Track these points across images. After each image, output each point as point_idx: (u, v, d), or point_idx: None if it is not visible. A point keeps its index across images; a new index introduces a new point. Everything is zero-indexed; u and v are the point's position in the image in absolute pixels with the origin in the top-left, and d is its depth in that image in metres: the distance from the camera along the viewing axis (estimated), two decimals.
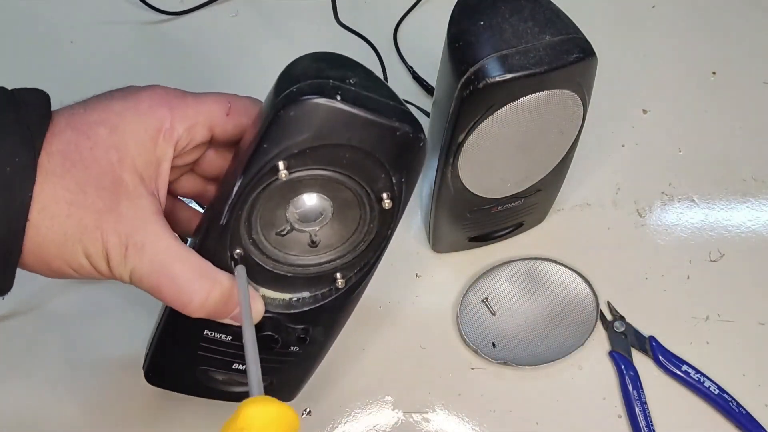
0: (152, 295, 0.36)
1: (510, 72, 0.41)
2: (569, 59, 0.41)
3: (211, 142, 0.40)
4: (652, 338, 0.53)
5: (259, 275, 0.40)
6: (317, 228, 0.39)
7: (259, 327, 0.40)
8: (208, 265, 0.37)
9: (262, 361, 0.44)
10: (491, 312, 0.55)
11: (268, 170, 0.35)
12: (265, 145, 0.35)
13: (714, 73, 0.66)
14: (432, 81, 0.63)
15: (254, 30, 0.69)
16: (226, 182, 0.38)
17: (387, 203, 0.38)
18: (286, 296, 0.41)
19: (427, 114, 0.61)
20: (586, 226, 0.59)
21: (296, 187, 0.37)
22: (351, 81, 0.35)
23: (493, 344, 0.53)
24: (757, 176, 0.61)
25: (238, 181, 0.36)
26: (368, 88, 0.36)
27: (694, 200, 0.60)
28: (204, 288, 0.36)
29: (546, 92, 0.43)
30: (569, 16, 0.43)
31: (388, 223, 0.39)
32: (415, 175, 0.38)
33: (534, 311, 0.55)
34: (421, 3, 0.70)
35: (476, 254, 0.57)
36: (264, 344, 0.41)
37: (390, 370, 0.53)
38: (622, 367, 0.52)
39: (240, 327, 0.40)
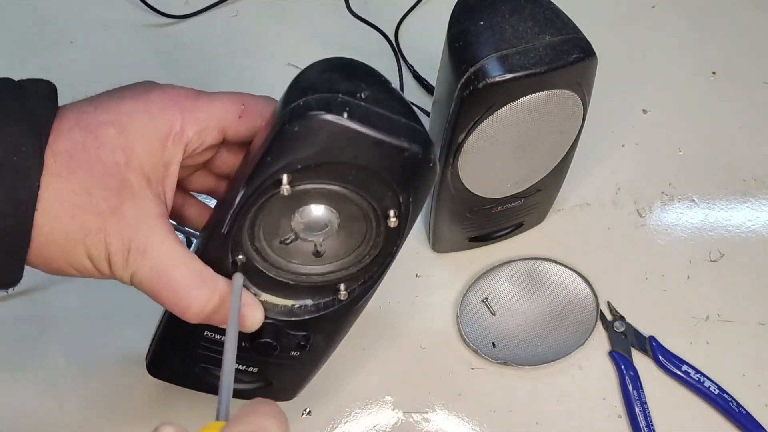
0: (152, 299, 0.36)
1: (510, 72, 0.41)
2: (569, 59, 0.41)
3: (224, 142, 0.40)
4: (652, 338, 0.53)
5: (261, 281, 0.39)
6: (322, 238, 0.38)
7: (258, 333, 0.40)
8: (209, 271, 0.37)
9: (261, 363, 0.43)
10: (491, 312, 0.55)
11: (271, 183, 0.35)
12: (269, 158, 0.34)
13: (714, 73, 0.66)
14: (432, 80, 0.63)
15: (259, 31, 0.69)
16: (230, 189, 0.37)
17: (393, 221, 0.37)
18: (288, 303, 0.41)
19: (427, 113, 0.61)
20: (586, 226, 0.59)
21: (301, 199, 0.37)
22: (362, 95, 0.34)
23: (493, 344, 0.53)
24: (757, 176, 0.61)
25: (241, 191, 0.35)
26: (380, 103, 0.34)
27: (694, 200, 0.60)
28: (203, 296, 0.36)
29: (546, 92, 0.43)
30: (569, 16, 0.43)
31: (394, 240, 0.39)
32: (423, 195, 0.38)
33: (534, 311, 0.55)
34: (422, 2, 0.70)
35: (476, 254, 0.57)
36: (262, 350, 0.40)
37: (390, 370, 0.53)
38: (622, 367, 0.52)
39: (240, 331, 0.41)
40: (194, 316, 0.36)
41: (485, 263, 0.57)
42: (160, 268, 0.35)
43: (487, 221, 0.54)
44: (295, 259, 0.39)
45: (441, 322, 0.55)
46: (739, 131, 0.63)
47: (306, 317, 0.41)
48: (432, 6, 0.70)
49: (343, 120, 0.33)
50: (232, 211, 0.36)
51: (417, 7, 0.69)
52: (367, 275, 0.40)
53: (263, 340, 0.40)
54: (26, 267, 0.35)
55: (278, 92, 0.36)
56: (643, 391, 0.51)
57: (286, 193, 0.34)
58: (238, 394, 0.45)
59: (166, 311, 0.42)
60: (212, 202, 0.44)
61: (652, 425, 0.50)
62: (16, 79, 0.35)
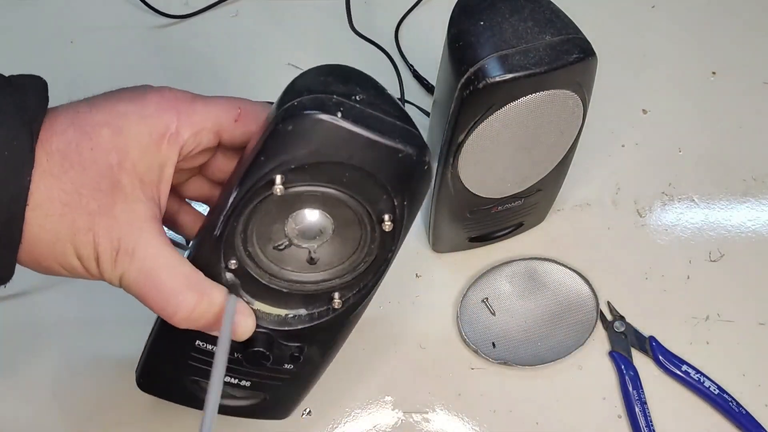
0: (141, 302, 0.36)
1: (510, 72, 0.41)
2: (569, 59, 0.41)
3: (219, 147, 0.40)
4: (652, 338, 0.53)
5: (254, 288, 0.39)
6: (316, 245, 0.38)
7: (250, 342, 0.39)
8: (199, 276, 0.37)
9: (254, 376, 0.43)
10: (491, 312, 0.55)
11: (264, 184, 0.34)
12: (262, 158, 0.34)
13: (714, 73, 0.66)
14: (433, 80, 0.63)
15: (259, 32, 0.69)
16: (224, 192, 0.37)
17: (388, 225, 0.36)
18: (282, 312, 0.40)
19: (427, 113, 0.61)
20: (586, 226, 0.59)
21: (295, 203, 0.36)
22: (357, 98, 0.34)
23: (493, 344, 0.53)
24: (757, 176, 0.61)
25: (234, 193, 0.35)
26: (375, 106, 0.34)
27: (694, 200, 0.60)
28: (190, 300, 0.36)
29: (546, 92, 0.43)
30: (569, 16, 0.43)
31: (389, 246, 0.38)
32: (418, 199, 0.37)
33: (534, 311, 0.55)
34: (422, 2, 0.70)
35: (476, 254, 0.57)
36: (254, 360, 0.40)
37: (390, 370, 0.53)
38: (622, 367, 0.52)
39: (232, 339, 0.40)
40: (182, 321, 0.36)
41: (485, 263, 0.57)
42: (147, 270, 0.35)
43: (487, 221, 0.54)
44: (288, 265, 0.39)
45: (441, 322, 0.55)
46: (739, 131, 0.63)
47: (300, 327, 0.40)
48: (432, 6, 0.70)
49: (338, 120, 0.33)
50: (224, 213, 0.36)
51: (417, 8, 0.69)
52: (362, 284, 0.40)
53: (255, 349, 0.39)
54: (19, 269, 0.35)
55: (278, 92, 0.36)
56: (643, 391, 0.51)
57: (279, 193, 0.34)
58: (229, 410, 0.45)
59: (157, 320, 0.41)
60: (208, 211, 0.44)
61: (651, 425, 0.50)
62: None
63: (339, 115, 0.33)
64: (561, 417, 0.51)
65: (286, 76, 0.36)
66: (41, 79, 0.35)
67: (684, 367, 0.52)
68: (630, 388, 0.51)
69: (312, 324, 0.40)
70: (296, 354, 0.41)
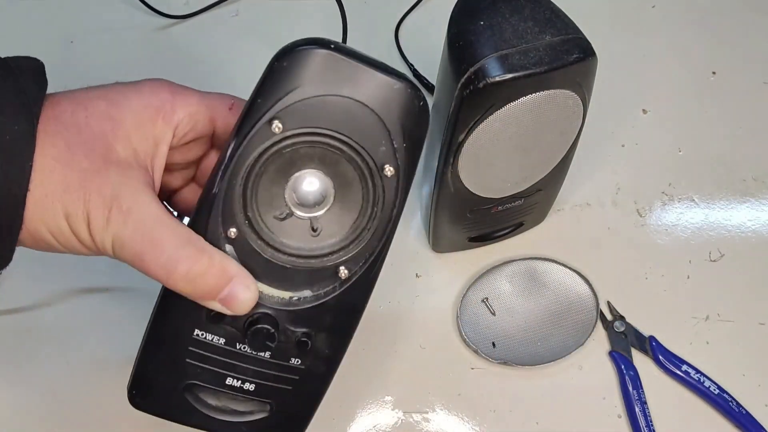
0: (134, 267, 0.34)
1: (510, 72, 0.41)
2: (569, 59, 0.41)
3: (214, 142, 0.40)
4: (652, 338, 0.53)
5: (256, 265, 0.37)
6: (317, 214, 0.37)
7: (254, 323, 0.38)
8: (198, 237, 0.35)
9: (259, 375, 0.40)
10: (491, 312, 0.55)
11: (262, 127, 0.34)
12: (259, 100, 0.34)
13: (714, 72, 0.66)
14: (433, 79, 0.63)
15: (259, 32, 0.69)
16: (221, 151, 0.36)
17: (390, 171, 0.36)
18: (286, 295, 0.38)
19: None
20: (586, 226, 0.59)
21: (293, 160, 0.35)
22: (350, 47, 0.35)
23: (493, 344, 0.53)
24: (757, 176, 0.61)
25: (232, 142, 0.34)
26: (365, 56, 0.35)
27: (694, 200, 0.60)
28: (190, 255, 0.34)
29: (546, 92, 0.43)
30: (569, 16, 0.43)
31: (392, 201, 0.37)
32: (418, 142, 0.37)
33: (534, 311, 0.55)
34: (422, 2, 0.70)
35: (476, 254, 0.57)
36: (259, 342, 0.38)
37: (390, 370, 0.53)
38: (622, 367, 0.52)
39: (233, 327, 0.38)
40: (181, 279, 0.34)
41: (485, 263, 0.57)
42: (145, 228, 0.33)
43: (487, 221, 0.54)
44: (290, 237, 0.37)
45: (441, 322, 0.55)
46: (739, 131, 0.63)
47: (306, 306, 0.38)
48: (432, 6, 0.70)
49: (332, 51, 0.34)
50: (222, 166, 0.35)
51: (417, 7, 0.69)
52: (368, 253, 0.38)
53: (260, 326, 0.38)
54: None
55: None
56: (643, 391, 0.51)
57: (278, 132, 0.34)
58: (233, 428, 0.42)
59: (150, 319, 0.39)
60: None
61: (652, 425, 0.50)
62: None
63: (332, 47, 0.34)
64: (561, 417, 0.51)
65: None
66: (38, 60, 0.35)
67: (684, 367, 0.52)
68: (630, 388, 0.51)
69: (318, 303, 0.39)
70: (303, 340, 0.39)
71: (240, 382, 0.40)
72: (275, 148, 0.35)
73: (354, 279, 0.39)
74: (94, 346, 0.54)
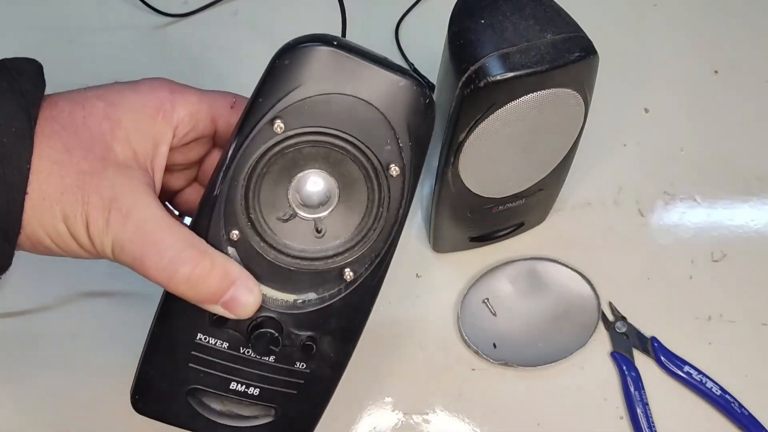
0: (135, 270, 0.34)
1: (511, 71, 0.40)
2: (571, 58, 0.41)
3: (216, 141, 0.39)
4: (653, 339, 0.53)
5: (259, 268, 0.36)
6: (322, 215, 0.37)
7: (257, 327, 0.37)
8: (200, 239, 0.35)
9: (263, 380, 0.39)
10: (492, 312, 0.54)
11: (264, 127, 0.33)
12: (260, 99, 0.33)
13: (716, 71, 0.66)
14: (433, 78, 0.63)
15: (258, 31, 0.69)
16: (222, 151, 0.36)
17: (395, 170, 0.35)
18: (290, 297, 0.38)
19: None
20: (588, 225, 0.59)
21: (297, 160, 0.35)
22: (352, 43, 0.34)
23: (494, 345, 0.53)
24: (760, 176, 0.61)
25: (233, 142, 0.34)
26: (369, 52, 0.34)
27: (696, 200, 0.60)
28: (192, 258, 0.33)
29: (547, 91, 0.42)
30: (571, 14, 0.43)
31: (398, 201, 0.37)
32: (424, 141, 0.36)
33: (535, 312, 0.54)
34: (422, 1, 0.69)
35: (477, 254, 0.57)
36: (263, 346, 0.37)
37: (390, 371, 0.53)
38: (624, 367, 0.52)
39: (237, 331, 0.37)
40: (183, 282, 0.33)
41: (486, 263, 0.56)
42: (145, 230, 0.33)
43: (488, 221, 0.53)
44: (294, 239, 0.37)
45: (441, 322, 0.55)
46: (741, 130, 0.63)
47: (310, 309, 0.38)
48: (432, 4, 0.70)
49: (334, 48, 0.33)
50: (224, 167, 0.34)
51: (417, 6, 0.69)
52: (374, 254, 0.38)
53: (263, 330, 0.37)
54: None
55: None
56: (644, 392, 0.51)
57: (279, 132, 0.33)
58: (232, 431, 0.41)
59: (152, 323, 0.38)
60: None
61: (653, 426, 0.50)
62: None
63: (335, 44, 0.33)
64: (562, 418, 0.51)
65: None
66: (36, 61, 0.35)
67: (686, 368, 0.52)
68: (632, 389, 0.51)
69: (323, 306, 0.38)
70: (308, 343, 0.39)
71: (244, 386, 0.40)
72: (277, 148, 0.34)
73: (360, 281, 0.38)
74: (95, 350, 0.53)
